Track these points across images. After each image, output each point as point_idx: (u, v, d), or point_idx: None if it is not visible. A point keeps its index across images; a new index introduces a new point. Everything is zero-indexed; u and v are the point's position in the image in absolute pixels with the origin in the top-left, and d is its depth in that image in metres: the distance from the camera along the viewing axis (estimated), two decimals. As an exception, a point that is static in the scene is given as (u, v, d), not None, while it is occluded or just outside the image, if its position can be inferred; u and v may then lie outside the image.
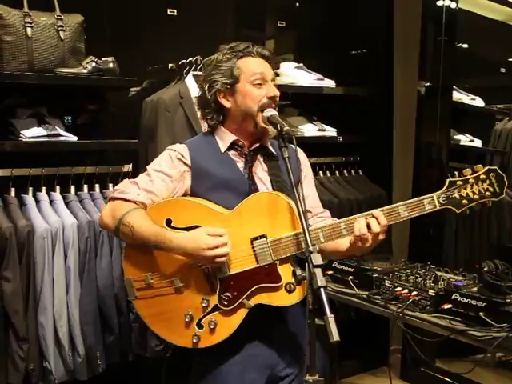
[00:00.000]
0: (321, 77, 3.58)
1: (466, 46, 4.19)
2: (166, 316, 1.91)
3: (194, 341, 1.87)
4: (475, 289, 2.32)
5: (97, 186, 2.86)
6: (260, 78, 1.94)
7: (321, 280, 1.50)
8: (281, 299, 1.84)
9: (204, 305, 1.86)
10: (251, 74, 1.94)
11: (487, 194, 1.91)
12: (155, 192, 1.93)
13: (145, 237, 1.84)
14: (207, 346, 1.87)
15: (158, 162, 2.00)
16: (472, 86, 4.27)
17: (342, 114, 3.77)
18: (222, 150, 2.00)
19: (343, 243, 1.95)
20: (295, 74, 3.52)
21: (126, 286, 1.96)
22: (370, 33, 3.98)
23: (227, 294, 1.85)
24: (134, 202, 1.91)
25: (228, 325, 1.86)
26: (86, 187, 2.82)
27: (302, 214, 1.68)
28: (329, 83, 3.61)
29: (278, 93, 1.97)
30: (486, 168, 1.91)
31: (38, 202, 2.67)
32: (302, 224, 1.67)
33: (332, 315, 1.45)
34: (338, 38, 3.88)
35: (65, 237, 2.57)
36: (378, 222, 1.85)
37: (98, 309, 2.65)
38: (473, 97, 4.16)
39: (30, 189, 2.68)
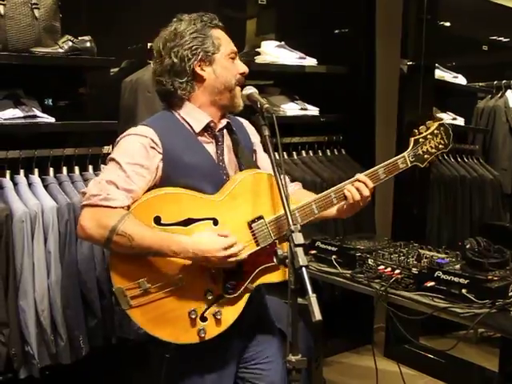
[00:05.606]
0: (303, 55, 3.55)
1: (448, 24, 4.18)
2: (168, 316, 1.81)
3: (202, 335, 1.82)
4: (458, 266, 2.32)
5: (76, 168, 2.80)
6: (234, 52, 1.95)
7: (302, 259, 1.49)
8: (279, 275, 1.89)
9: (209, 297, 1.83)
10: (229, 48, 1.94)
11: (441, 146, 2.18)
12: (136, 190, 1.79)
13: (146, 245, 1.73)
14: (214, 335, 1.84)
15: (129, 154, 1.82)
16: (454, 64, 4.27)
17: (324, 93, 3.74)
18: (197, 131, 1.91)
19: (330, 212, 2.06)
20: (277, 53, 3.48)
21: (117, 296, 1.79)
22: (353, 11, 3.94)
23: (232, 282, 1.84)
24: (122, 208, 1.77)
25: (233, 311, 1.86)
26: (65, 169, 2.77)
27: (282, 191, 1.68)
28: (311, 62, 3.58)
29: (247, 70, 1.97)
30: (437, 123, 2.17)
31: (15, 185, 2.61)
32: (283, 202, 1.65)
33: (314, 295, 1.43)
34: (320, 16, 3.84)
35: (44, 220, 2.53)
36: (366, 186, 2.02)
37: (80, 292, 2.62)
38: (455, 75, 4.17)
39: (8, 172, 2.62)
